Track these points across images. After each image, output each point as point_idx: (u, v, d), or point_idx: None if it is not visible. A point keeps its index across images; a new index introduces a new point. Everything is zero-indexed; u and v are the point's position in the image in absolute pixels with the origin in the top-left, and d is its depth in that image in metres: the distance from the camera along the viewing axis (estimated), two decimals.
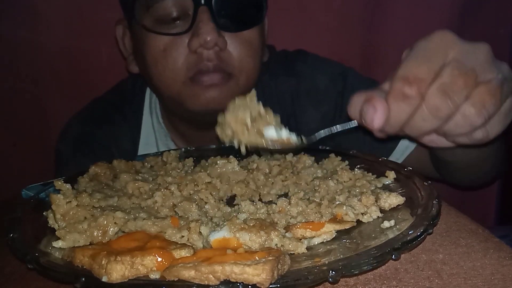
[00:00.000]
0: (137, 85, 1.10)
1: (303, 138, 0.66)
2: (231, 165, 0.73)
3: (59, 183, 0.63)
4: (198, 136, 1.04)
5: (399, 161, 1.00)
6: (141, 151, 1.07)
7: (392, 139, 0.96)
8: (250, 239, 0.50)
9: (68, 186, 0.63)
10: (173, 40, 0.87)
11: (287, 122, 1.04)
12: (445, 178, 1.00)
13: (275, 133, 0.65)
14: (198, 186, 0.68)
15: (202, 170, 0.72)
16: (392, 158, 0.99)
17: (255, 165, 0.74)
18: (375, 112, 0.53)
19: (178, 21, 0.86)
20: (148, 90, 1.11)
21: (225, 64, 0.88)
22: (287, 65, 1.09)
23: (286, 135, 0.66)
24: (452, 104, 0.50)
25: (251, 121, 0.64)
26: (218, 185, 0.69)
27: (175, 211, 0.62)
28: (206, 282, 0.42)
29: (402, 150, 0.99)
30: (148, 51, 0.90)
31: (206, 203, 0.64)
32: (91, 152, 1.04)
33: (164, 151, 0.82)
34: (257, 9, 0.92)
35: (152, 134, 1.08)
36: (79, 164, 1.01)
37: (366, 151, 0.99)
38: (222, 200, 0.67)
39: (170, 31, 0.86)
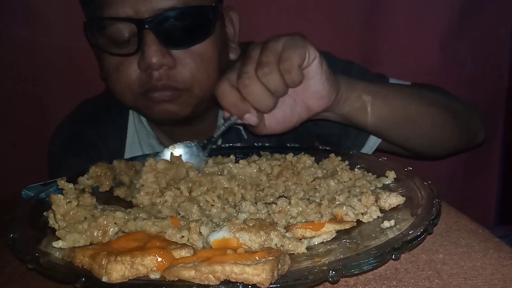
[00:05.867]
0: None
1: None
2: (250, 169, 0.72)
3: (62, 182, 0.63)
4: (179, 132, 1.06)
5: (378, 142, 1.04)
6: (127, 150, 1.10)
7: None
8: (250, 239, 0.50)
9: (71, 185, 0.63)
10: (125, 59, 0.89)
11: None
12: (402, 147, 1.03)
13: None
14: (216, 189, 0.66)
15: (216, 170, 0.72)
16: (372, 138, 1.03)
17: (257, 167, 0.74)
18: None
19: (129, 42, 0.88)
20: None
21: (174, 82, 0.90)
22: None
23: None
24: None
25: None
26: (235, 190, 0.67)
27: (177, 211, 0.62)
28: (206, 282, 0.42)
29: (374, 140, 1.03)
30: (104, 66, 0.93)
31: (212, 205, 0.63)
32: (81, 152, 1.06)
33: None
34: (204, 24, 0.92)
35: (136, 133, 1.11)
36: (70, 164, 1.04)
37: (345, 136, 1.05)
38: (230, 204, 0.66)
39: (121, 51, 0.89)
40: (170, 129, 1.08)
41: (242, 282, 0.42)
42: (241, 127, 1.06)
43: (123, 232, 0.55)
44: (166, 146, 1.07)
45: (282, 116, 0.79)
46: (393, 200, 0.60)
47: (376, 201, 0.60)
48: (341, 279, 0.46)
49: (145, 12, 0.85)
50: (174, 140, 1.09)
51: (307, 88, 0.77)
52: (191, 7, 0.88)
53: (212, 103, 1.02)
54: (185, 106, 0.94)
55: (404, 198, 0.60)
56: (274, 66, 0.69)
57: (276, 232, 0.51)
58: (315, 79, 0.76)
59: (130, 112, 1.11)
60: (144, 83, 0.89)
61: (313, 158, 0.76)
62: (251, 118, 0.74)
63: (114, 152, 1.07)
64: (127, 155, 1.08)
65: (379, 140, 1.04)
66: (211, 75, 0.94)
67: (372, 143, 1.04)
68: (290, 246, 0.50)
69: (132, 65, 0.89)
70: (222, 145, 0.92)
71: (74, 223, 0.55)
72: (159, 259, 0.46)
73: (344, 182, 0.69)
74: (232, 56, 1.03)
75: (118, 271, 0.44)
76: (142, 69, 0.88)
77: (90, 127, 1.10)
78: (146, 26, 0.84)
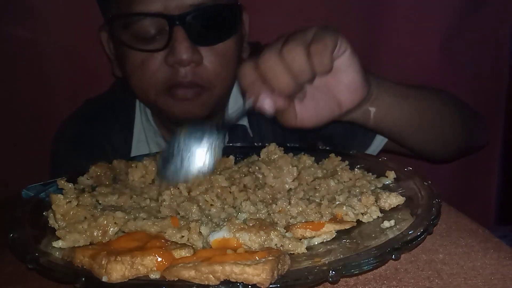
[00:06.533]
0: (128, 85, 1.12)
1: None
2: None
3: (62, 182, 0.63)
4: None
5: (382, 143, 1.03)
6: (133, 148, 1.09)
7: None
8: (250, 239, 0.50)
9: (71, 185, 0.63)
10: (151, 54, 0.89)
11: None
12: (414, 150, 1.02)
13: None
14: (214, 188, 0.66)
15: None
16: (377, 139, 1.03)
17: (256, 167, 0.74)
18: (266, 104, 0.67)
19: (155, 37, 0.88)
20: None
21: (200, 79, 0.91)
22: None
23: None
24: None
25: None
26: (233, 190, 0.66)
27: (177, 211, 0.62)
28: (206, 282, 0.42)
29: (379, 141, 1.03)
30: (127, 62, 0.93)
31: (212, 205, 0.63)
32: (85, 151, 1.06)
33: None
34: (231, 22, 0.94)
35: (143, 132, 1.11)
36: (74, 163, 1.03)
37: (351, 137, 1.04)
38: (229, 203, 0.65)
39: (148, 47, 0.89)
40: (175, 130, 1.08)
41: (242, 282, 0.42)
42: (247, 125, 1.06)
43: (123, 232, 0.55)
44: None
45: (314, 108, 0.74)
46: (393, 200, 0.60)
47: (376, 201, 0.60)
48: (341, 279, 0.46)
49: (175, 8, 0.85)
50: None
51: (340, 81, 0.72)
52: (220, 5, 0.90)
53: (224, 104, 1.04)
54: (204, 106, 0.95)
55: (404, 198, 0.60)
56: (301, 45, 0.64)
57: (276, 232, 0.51)
58: (348, 71, 0.72)
59: (137, 110, 1.11)
60: (169, 79, 0.90)
61: (313, 158, 0.76)
62: (265, 100, 0.66)
63: (120, 150, 1.07)
64: (134, 153, 1.08)
65: (384, 142, 1.03)
66: (230, 73, 0.96)
67: (376, 145, 1.04)
68: (290, 246, 0.50)
69: (158, 61, 0.89)
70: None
71: (74, 223, 0.55)
72: (159, 259, 0.46)
73: (344, 182, 0.69)
74: (244, 55, 1.05)
75: (118, 271, 0.44)
76: (170, 65, 0.88)
77: (94, 125, 1.10)
78: (177, 22, 0.85)
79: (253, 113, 1.05)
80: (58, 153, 1.11)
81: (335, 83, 0.73)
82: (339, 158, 0.76)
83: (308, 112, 0.73)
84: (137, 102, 1.12)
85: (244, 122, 1.07)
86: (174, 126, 1.06)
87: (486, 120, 1.09)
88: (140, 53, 0.90)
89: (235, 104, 1.07)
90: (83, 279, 0.44)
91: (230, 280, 0.42)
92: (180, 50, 0.85)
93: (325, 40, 0.65)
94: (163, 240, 0.51)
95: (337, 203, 0.59)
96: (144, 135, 1.10)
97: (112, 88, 1.18)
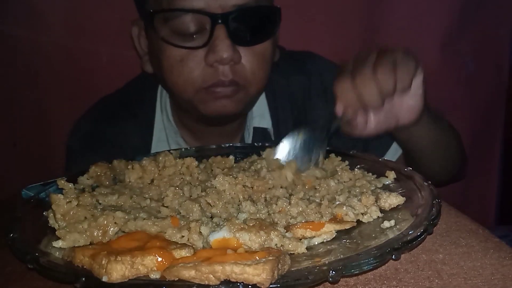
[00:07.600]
0: (147, 83, 1.12)
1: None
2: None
3: (62, 182, 0.63)
4: (208, 132, 1.07)
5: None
6: (153, 148, 1.09)
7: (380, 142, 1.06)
8: (250, 239, 0.50)
9: (71, 185, 0.63)
10: (190, 52, 0.90)
11: (298, 118, 1.11)
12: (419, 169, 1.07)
13: None
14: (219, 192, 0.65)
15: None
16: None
17: (259, 166, 0.73)
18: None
19: (195, 35, 0.89)
20: (159, 88, 1.13)
21: (238, 77, 0.92)
22: (298, 65, 1.14)
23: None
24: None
25: None
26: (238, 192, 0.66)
27: (178, 210, 0.62)
28: (206, 282, 0.42)
29: (392, 154, 1.05)
30: (164, 58, 0.93)
31: (213, 206, 0.63)
32: (101, 149, 1.05)
33: (162, 152, 0.81)
34: (271, 23, 0.95)
35: (163, 131, 1.10)
36: (90, 161, 1.02)
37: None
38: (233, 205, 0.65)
39: (187, 44, 0.90)
40: (198, 129, 1.09)
41: (242, 282, 0.42)
42: (270, 128, 1.08)
43: (123, 232, 0.55)
44: (191, 146, 1.07)
45: (375, 121, 0.81)
46: (393, 200, 0.60)
47: (376, 201, 0.60)
48: (341, 279, 0.46)
49: (218, 7, 0.86)
50: (198, 140, 1.09)
51: (405, 102, 0.80)
52: (262, 7, 0.91)
53: (254, 103, 1.06)
54: (240, 103, 0.96)
55: (404, 198, 0.60)
56: (392, 68, 0.73)
57: (276, 232, 0.51)
58: (415, 95, 0.80)
59: (157, 109, 1.11)
60: (208, 77, 0.91)
61: None
62: (360, 120, 0.78)
63: (139, 149, 1.06)
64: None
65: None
66: (266, 74, 0.97)
67: None
68: (290, 246, 0.50)
69: (197, 58, 0.90)
70: (222, 145, 0.92)
71: (74, 223, 0.55)
72: (159, 259, 0.45)
73: (344, 182, 0.69)
74: (275, 58, 1.05)
75: (118, 271, 0.44)
76: (210, 63, 0.89)
77: (111, 123, 1.09)
78: (220, 21, 0.86)
79: (276, 116, 1.08)
80: (73, 150, 1.10)
81: (400, 102, 0.79)
82: (339, 158, 0.77)
83: (370, 124, 0.80)
84: (158, 101, 1.12)
85: (268, 125, 1.08)
86: (200, 125, 1.07)
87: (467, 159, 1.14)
88: (179, 50, 0.90)
89: (260, 107, 1.08)
90: (83, 279, 0.44)
91: (230, 280, 0.42)
92: (221, 48, 0.86)
93: (411, 65, 0.75)
94: (163, 240, 0.51)
95: (337, 203, 0.59)
96: (164, 135, 1.10)
97: (127, 86, 1.16)
